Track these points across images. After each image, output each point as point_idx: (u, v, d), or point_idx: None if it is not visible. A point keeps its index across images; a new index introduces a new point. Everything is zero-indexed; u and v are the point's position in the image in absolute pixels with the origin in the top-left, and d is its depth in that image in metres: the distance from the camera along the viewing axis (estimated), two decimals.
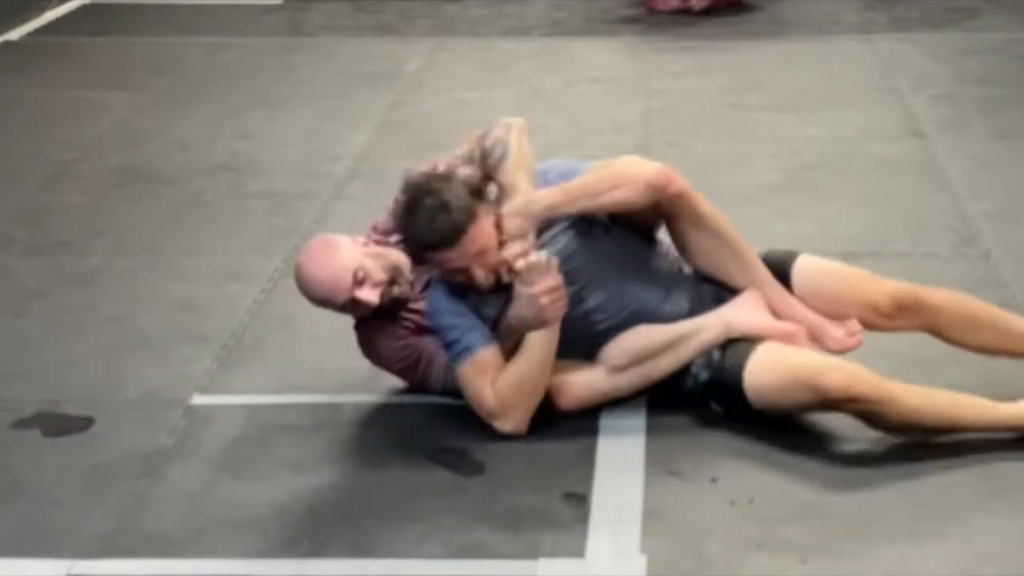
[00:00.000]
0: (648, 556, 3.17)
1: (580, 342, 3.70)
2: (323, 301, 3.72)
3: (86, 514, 3.39)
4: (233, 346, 4.22)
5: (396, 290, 3.72)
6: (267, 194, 5.46)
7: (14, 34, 7.97)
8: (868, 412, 3.53)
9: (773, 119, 6.23)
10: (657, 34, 7.72)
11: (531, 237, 3.61)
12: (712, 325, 3.69)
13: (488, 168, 3.67)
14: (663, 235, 3.84)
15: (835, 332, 3.74)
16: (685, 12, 8.03)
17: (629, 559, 3.17)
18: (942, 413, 3.56)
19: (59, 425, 3.81)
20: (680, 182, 3.68)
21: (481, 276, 3.59)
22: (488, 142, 3.70)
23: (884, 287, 3.81)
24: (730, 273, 3.76)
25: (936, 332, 3.82)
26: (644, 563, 3.15)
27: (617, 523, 3.30)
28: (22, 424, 3.82)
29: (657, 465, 3.53)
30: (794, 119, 6.22)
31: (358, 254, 3.69)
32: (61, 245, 5.03)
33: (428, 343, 3.75)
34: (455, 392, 3.70)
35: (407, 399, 3.85)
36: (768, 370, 3.60)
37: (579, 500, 3.39)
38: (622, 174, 3.66)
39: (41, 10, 8.42)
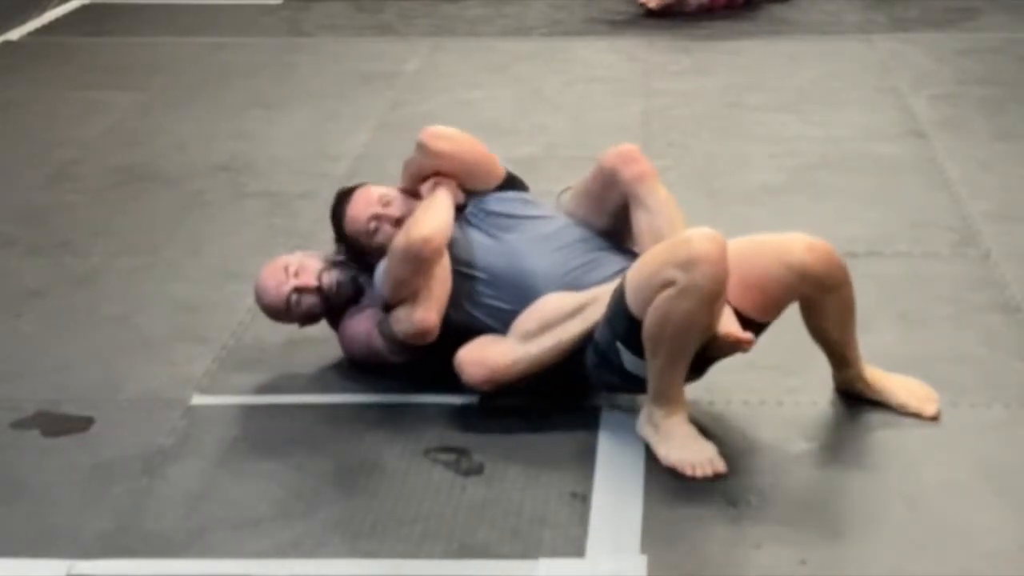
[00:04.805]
0: (648, 556, 3.17)
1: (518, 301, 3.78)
2: (275, 303, 3.99)
3: (86, 514, 3.39)
4: (233, 346, 4.22)
5: (331, 276, 3.97)
6: (267, 194, 5.46)
7: (14, 34, 7.96)
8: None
9: (773, 119, 6.22)
10: (657, 34, 7.71)
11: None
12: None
13: None
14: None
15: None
16: (688, 13, 8.03)
17: (629, 559, 3.17)
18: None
19: (59, 425, 3.81)
20: (644, 163, 3.78)
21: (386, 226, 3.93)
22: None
23: (797, 241, 3.64)
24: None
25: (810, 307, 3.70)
26: (644, 563, 3.15)
27: (617, 523, 3.30)
28: (22, 424, 3.82)
29: (657, 465, 3.53)
30: (794, 119, 6.21)
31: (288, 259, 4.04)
32: (61, 245, 5.02)
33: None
34: (402, 351, 3.84)
35: (407, 399, 3.85)
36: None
37: (579, 500, 3.40)
38: None
39: (41, 10, 8.41)
